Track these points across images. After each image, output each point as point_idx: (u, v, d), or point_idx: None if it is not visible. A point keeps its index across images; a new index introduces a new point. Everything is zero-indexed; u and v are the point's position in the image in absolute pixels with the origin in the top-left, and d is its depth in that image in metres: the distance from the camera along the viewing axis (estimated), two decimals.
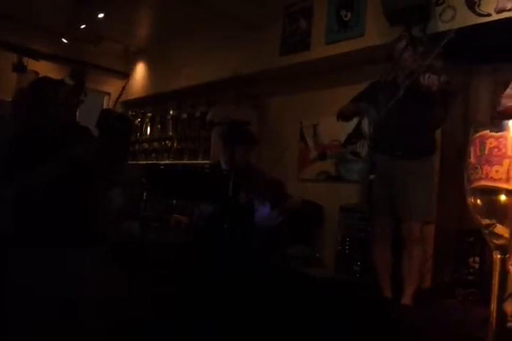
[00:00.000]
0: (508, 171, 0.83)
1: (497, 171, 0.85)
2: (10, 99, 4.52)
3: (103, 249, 2.26)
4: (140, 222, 4.89)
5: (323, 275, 3.72)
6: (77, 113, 2.50)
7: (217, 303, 2.43)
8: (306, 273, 3.36)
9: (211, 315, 2.31)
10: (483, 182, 0.87)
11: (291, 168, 4.90)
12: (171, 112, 6.48)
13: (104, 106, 6.99)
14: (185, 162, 5.92)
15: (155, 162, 6.37)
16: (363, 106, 2.96)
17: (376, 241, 3.03)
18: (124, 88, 2.42)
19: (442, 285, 3.38)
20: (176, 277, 2.83)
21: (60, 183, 2.06)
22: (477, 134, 0.90)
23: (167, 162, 6.20)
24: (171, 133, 6.45)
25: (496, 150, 0.85)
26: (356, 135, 3.27)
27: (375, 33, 3.90)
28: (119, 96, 2.60)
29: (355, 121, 3.29)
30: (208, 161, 5.12)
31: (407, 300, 2.90)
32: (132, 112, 7.07)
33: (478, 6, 3.21)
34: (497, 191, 0.86)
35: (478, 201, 0.88)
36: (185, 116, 6.22)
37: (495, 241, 0.88)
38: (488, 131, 0.88)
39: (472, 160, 0.89)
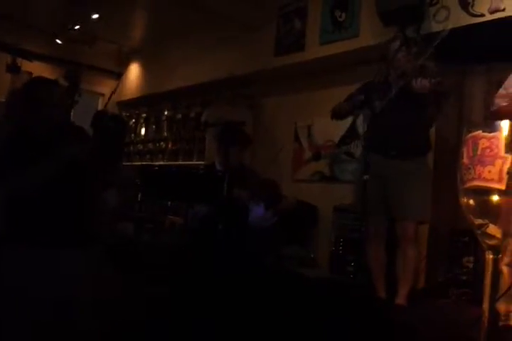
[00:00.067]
0: (500, 171, 0.84)
1: (489, 171, 0.85)
2: (3, 100, 4.50)
3: (97, 250, 2.26)
4: (134, 223, 4.88)
5: (317, 275, 3.72)
6: (72, 114, 2.49)
7: (212, 304, 2.42)
8: (300, 274, 3.36)
9: (206, 316, 2.30)
10: (475, 183, 0.87)
11: (285, 168, 4.90)
12: (166, 113, 6.46)
13: (99, 107, 6.97)
14: (180, 163, 5.90)
15: (149, 163, 6.36)
16: (360, 98, 2.95)
17: (370, 241, 3.04)
18: (115, 88, 2.41)
19: (436, 285, 3.39)
20: (170, 278, 2.82)
21: (54, 184, 2.05)
22: (470, 135, 0.90)
23: (162, 163, 6.18)
24: (165, 134, 6.43)
25: (489, 150, 0.86)
26: (350, 135, 3.28)
27: (369, 33, 3.91)
28: (110, 96, 2.59)
29: (349, 121, 3.30)
30: (202, 162, 5.12)
31: (401, 300, 2.90)
32: (127, 113, 7.04)
33: (472, 6, 3.22)
34: (490, 191, 0.86)
35: (471, 201, 0.89)
36: (179, 116, 6.20)
37: (487, 241, 0.89)
38: (480, 132, 0.89)
39: (465, 160, 0.90)
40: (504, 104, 2.40)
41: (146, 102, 6.87)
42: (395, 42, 2.93)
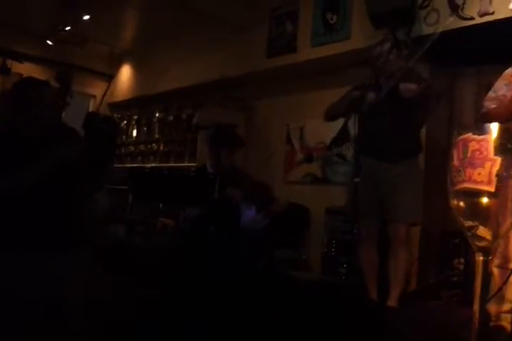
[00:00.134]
0: (489, 174, 0.84)
1: (479, 174, 0.86)
2: None
3: (88, 252, 2.24)
4: (126, 225, 4.86)
5: (309, 277, 3.73)
6: (63, 115, 2.47)
7: (204, 306, 2.41)
8: (292, 276, 3.36)
9: (197, 318, 2.29)
10: (465, 185, 0.88)
11: (277, 170, 4.90)
12: (157, 115, 6.44)
13: (90, 109, 6.94)
14: (172, 165, 5.88)
15: (141, 165, 6.34)
16: (355, 94, 2.95)
17: (362, 243, 3.04)
18: (106, 90, 2.40)
19: (427, 287, 3.40)
20: (162, 280, 2.81)
21: (44, 185, 2.04)
22: (460, 137, 0.91)
23: (153, 165, 6.16)
24: (157, 136, 6.41)
25: (478, 153, 0.86)
26: (342, 137, 3.28)
27: (360, 35, 3.92)
28: (103, 98, 2.58)
29: (340, 123, 3.30)
30: (194, 164, 5.11)
31: (392, 302, 2.91)
32: (118, 114, 7.02)
33: (462, 9, 3.25)
34: (479, 193, 0.87)
35: (461, 203, 0.89)
36: (171, 118, 6.18)
37: (477, 243, 0.89)
38: (470, 134, 0.89)
39: (455, 162, 0.90)
40: (493, 106, 2.42)
41: (137, 104, 6.84)
42: (385, 44, 2.94)
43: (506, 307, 2.24)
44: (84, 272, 2.16)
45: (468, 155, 0.88)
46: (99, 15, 5.36)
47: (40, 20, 5.69)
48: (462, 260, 3.21)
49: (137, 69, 6.87)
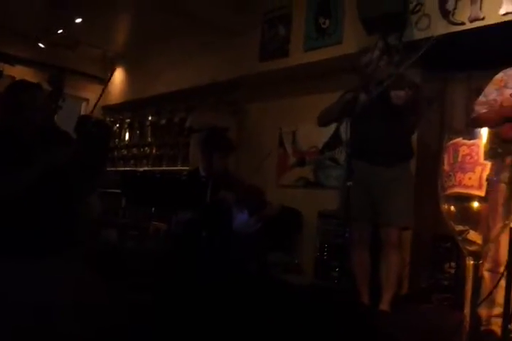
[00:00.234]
0: (480, 178, 0.85)
1: (470, 178, 0.86)
2: None
3: (80, 256, 2.23)
4: (118, 229, 4.84)
5: (301, 281, 3.73)
6: (55, 119, 2.47)
7: (196, 310, 2.41)
8: (284, 280, 3.36)
9: (189, 322, 2.29)
10: (456, 189, 0.88)
11: (270, 173, 4.90)
12: (150, 118, 6.44)
13: (82, 112, 6.91)
14: (164, 168, 5.87)
15: (134, 168, 6.32)
16: (349, 97, 2.95)
17: (354, 247, 3.05)
18: (102, 93, 2.40)
19: (419, 291, 3.41)
20: (154, 284, 2.80)
21: (37, 188, 2.03)
22: (450, 142, 0.91)
23: (146, 168, 6.15)
24: (149, 139, 6.40)
25: (469, 157, 0.87)
26: (334, 141, 3.30)
27: (353, 40, 3.94)
28: (97, 102, 2.57)
29: (332, 127, 3.31)
30: (187, 167, 5.10)
31: (384, 305, 2.91)
32: (111, 118, 7.00)
33: (453, 15, 3.28)
34: (470, 198, 0.87)
35: (452, 208, 0.90)
36: (164, 122, 6.18)
37: (468, 247, 0.90)
38: (461, 139, 0.90)
39: (446, 167, 0.91)
40: (484, 111, 2.44)
41: (130, 107, 6.83)
42: (375, 51, 2.94)
43: (497, 311, 2.25)
44: (77, 276, 2.15)
45: (459, 159, 0.89)
46: (91, 19, 5.35)
47: (32, 23, 5.66)
48: (453, 264, 3.22)
49: (130, 73, 6.86)
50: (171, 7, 4.78)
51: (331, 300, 2.71)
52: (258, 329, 2.22)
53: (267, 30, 4.80)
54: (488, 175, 0.85)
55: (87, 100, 7.01)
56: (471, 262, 0.91)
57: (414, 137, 3.31)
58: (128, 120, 6.83)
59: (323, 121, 3.23)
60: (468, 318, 0.92)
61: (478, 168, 0.87)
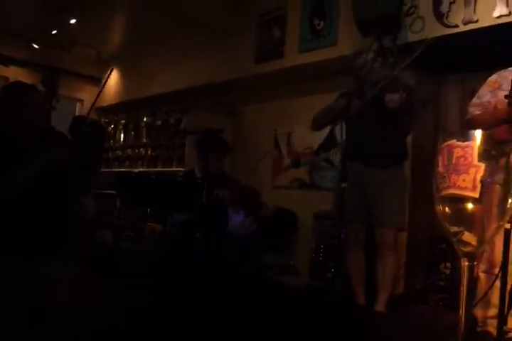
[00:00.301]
0: (474, 180, 0.86)
1: (464, 180, 0.87)
2: None
3: (75, 257, 2.23)
4: (113, 230, 4.83)
5: (297, 282, 3.73)
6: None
7: (191, 311, 2.40)
8: (279, 281, 3.36)
9: (185, 323, 2.28)
10: (451, 191, 0.89)
11: (265, 175, 4.91)
12: (145, 119, 6.43)
13: (77, 113, 6.90)
14: (160, 169, 5.87)
15: (129, 169, 6.30)
16: (342, 103, 2.96)
17: (350, 248, 3.06)
18: (99, 94, 2.38)
19: (415, 291, 3.42)
20: (149, 286, 2.79)
21: (31, 188, 2.02)
22: (445, 143, 0.92)
23: (141, 169, 6.14)
24: (144, 141, 6.39)
25: (463, 159, 0.87)
26: (328, 143, 3.30)
27: (347, 42, 3.96)
28: (94, 103, 2.57)
29: (328, 129, 3.32)
30: (182, 168, 5.10)
31: (380, 306, 2.92)
32: (105, 119, 6.99)
33: (447, 17, 3.29)
34: (464, 199, 0.88)
35: (447, 209, 0.90)
36: (159, 123, 6.17)
37: (463, 248, 0.90)
38: (455, 141, 0.90)
39: (440, 169, 0.91)
40: (478, 112, 2.45)
41: (124, 108, 6.82)
42: (369, 53, 2.95)
43: (492, 312, 2.26)
44: (71, 277, 2.15)
45: (453, 161, 0.89)
46: (86, 19, 5.34)
47: (26, 24, 5.65)
48: (449, 265, 3.23)
49: (125, 74, 6.85)
50: (166, 8, 4.78)
51: (326, 302, 2.71)
52: (253, 330, 2.22)
53: (262, 31, 4.80)
54: (483, 177, 0.86)
55: (81, 101, 7.00)
56: (466, 263, 0.91)
57: (409, 139, 3.33)
58: (123, 121, 6.82)
59: (316, 126, 3.24)
60: (463, 319, 0.92)
61: (472, 170, 0.87)
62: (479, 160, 0.87)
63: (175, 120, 5.82)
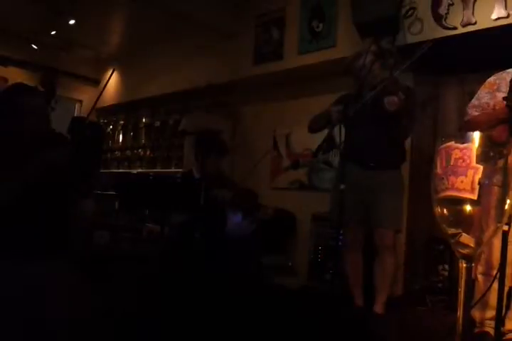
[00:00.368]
0: (472, 182, 0.86)
1: (462, 182, 0.87)
2: None
3: (73, 258, 2.22)
4: (112, 231, 4.82)
5: (295, 284, 3.73)
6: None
7: (190, 312, 2.40)
8: (278, 282, 3.36)
9: (183, 324, 2.28)
10: (449, 193, 0.89)
11: (263, 176, 4.91)
12: (144, 120, 6.43)
13: (76, 114, 6.90)
14: (158, 170, 5.87)
15: (127, 170, 6.30)
16: (337, 109, 2.96)
17: (348, 250, 3.06)
18: (100, 95, 2.38)
19: (413, 293, 3.42)
20: (147, 286, 2.79)
21: (31, 190, 2.02)
22: (443, 145, 0.92)
23: (140, 170, 6.14)
24: (143, 141, 6.39)
25: (461, 161, 0.87)
26: (327, 145, 3.29)
27: (346, 43, 3.96)
28: (94, 105, 2.56)
29: (326, 130, 3.32)
30: (181, 169, 5.09)
31: (378, 308, 2.92)
32: (104, 119, 6.98)
33: (445, 19, 3.30)
34: (462, 201, 0.88)
35: (445, 211, 0.90)
36: (158, 124, 6.18)
37: (461, 250, 0.90)
38: (453, 143, 0.90)
39: (438, 170, 0.91)
40: (476, 113, 2.46)
41: (124, 109, 6.82)
42: (368, 56, 2.95)
43: (490, 314, 2.26)
44: (69, 278, 2.14)
45: (451, 163, 0.89)
46: (85, 20, 5.34)
47: (25, 25, 5.65)
48: (447, 266, 3.24)
49: (124, 75, 6.85)
50: (166, 9, 4.78)
51: (324, 303, 2.71)
52: (252, 331, 2.22)
53: (261, 33, 4.81)
54: (481, 179, 0.86)
55: (80, 101, 7.00)
56: (464, 265, 0.91)
57: (408, 141, 3.33)
58: (122, 122, 6.82)
59: (312, 129, 3.24)
60: (461, 321, 0.92)
61: (471, 172, 0.87)
62: (477, 162, 0.87)
63: (174, 121, 5.83)
